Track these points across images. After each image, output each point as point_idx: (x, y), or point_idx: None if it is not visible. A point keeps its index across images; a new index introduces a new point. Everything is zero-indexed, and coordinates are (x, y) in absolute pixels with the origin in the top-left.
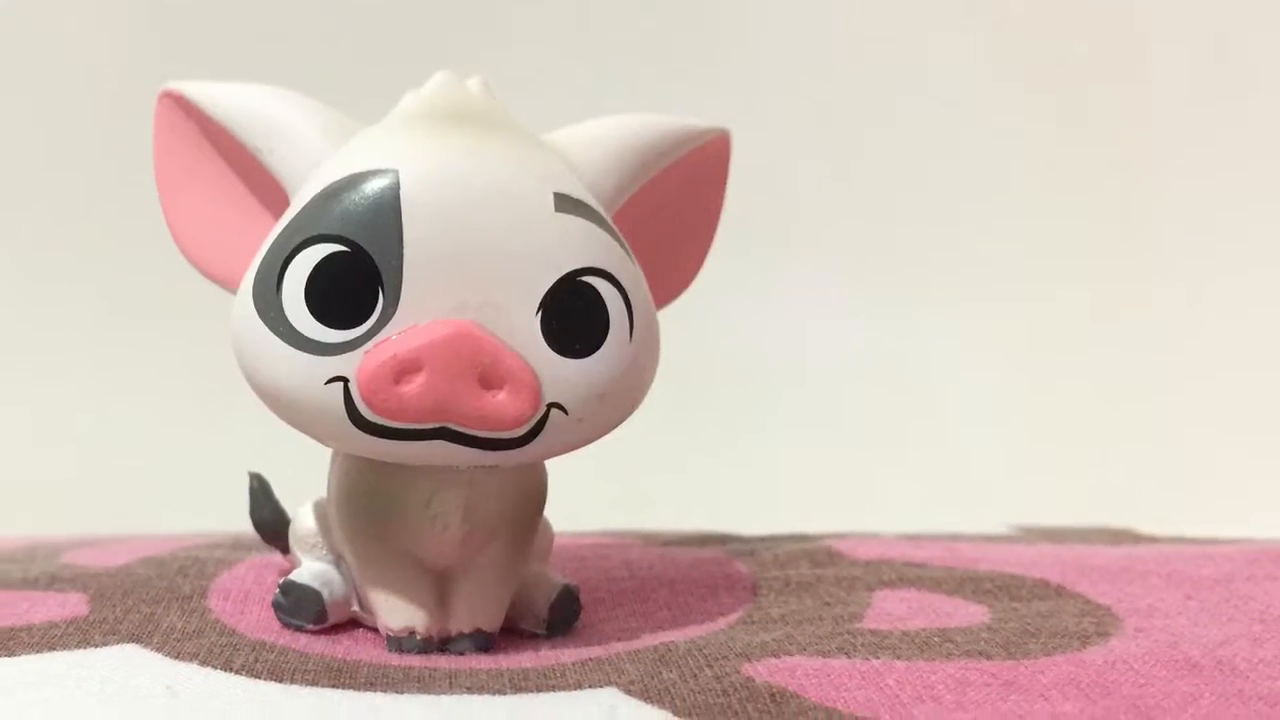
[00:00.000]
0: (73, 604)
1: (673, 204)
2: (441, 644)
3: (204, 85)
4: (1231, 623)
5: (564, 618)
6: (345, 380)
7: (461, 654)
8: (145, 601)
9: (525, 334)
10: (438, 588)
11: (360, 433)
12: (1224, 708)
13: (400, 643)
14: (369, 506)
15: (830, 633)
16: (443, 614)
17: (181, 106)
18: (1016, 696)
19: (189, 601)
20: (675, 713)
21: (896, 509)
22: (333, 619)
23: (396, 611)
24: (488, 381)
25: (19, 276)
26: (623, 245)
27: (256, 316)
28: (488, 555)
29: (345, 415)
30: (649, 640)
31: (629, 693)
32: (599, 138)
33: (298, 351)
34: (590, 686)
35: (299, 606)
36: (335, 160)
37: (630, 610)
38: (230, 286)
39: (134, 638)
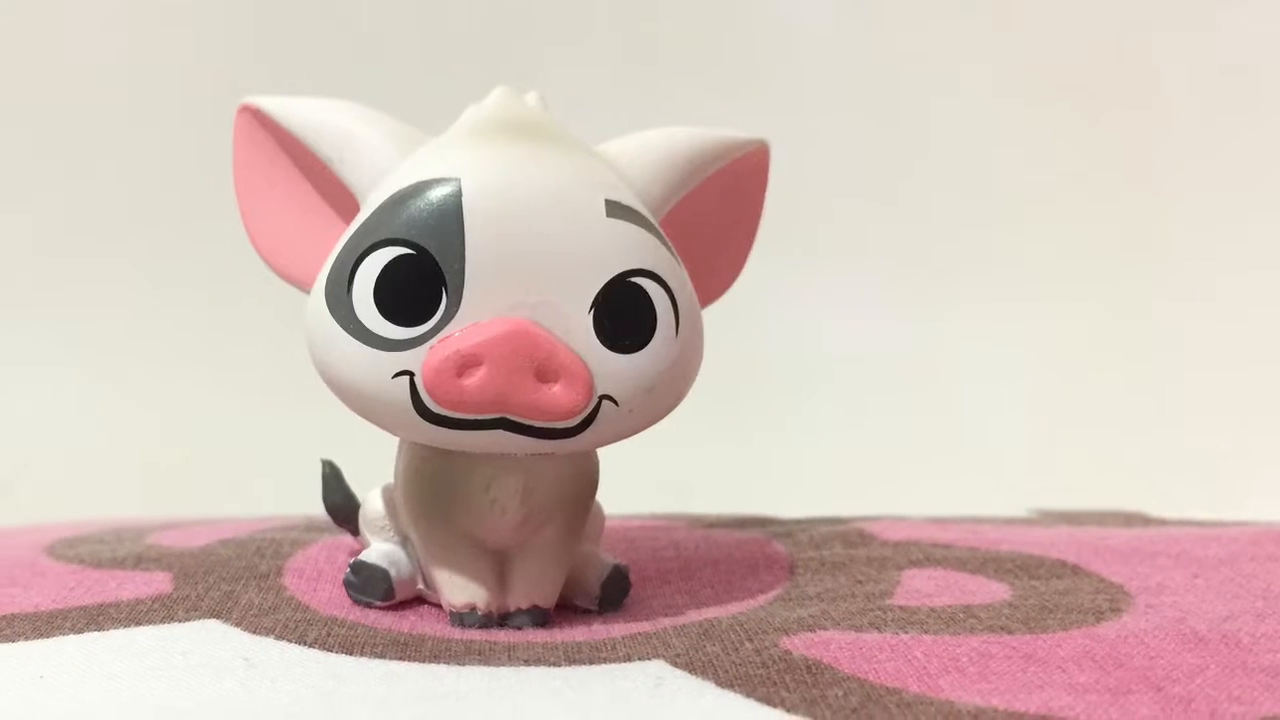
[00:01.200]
0: (158, 582)
1: (716, 210)
2: (501, 619)
3: (279, 100)
4: (1235, 599)
5: (614, 595)
6: (411, 374)
7: (519, 629)
8: (225, 580)
9: (578, 331)
10: (497, 567)
11: (425, 423)
12: (1228, 678)
13: (462, 618)
14: (433, 491)
15: (862, 609)
16: (502, 591)
17: (259, 120)
18: (1035, 668)
19: (266, 580)
20: (718, 683)
21: (924, 494)
22: (399, 596)
23: (459, 589)
24: (544, 375)
25: (111, 283)
26: (669, 248)
27: (329, 315)
28: (543, 537)
29: (411, 407)
30: (694, 616)
31: (675, 665)
32: (647, 148)
33: (367, 348)
34: (639, 659)
35: (368, 584)
36: (402, 169)
37: (676, 588)
38: (304, 287)
39: (215, 613)
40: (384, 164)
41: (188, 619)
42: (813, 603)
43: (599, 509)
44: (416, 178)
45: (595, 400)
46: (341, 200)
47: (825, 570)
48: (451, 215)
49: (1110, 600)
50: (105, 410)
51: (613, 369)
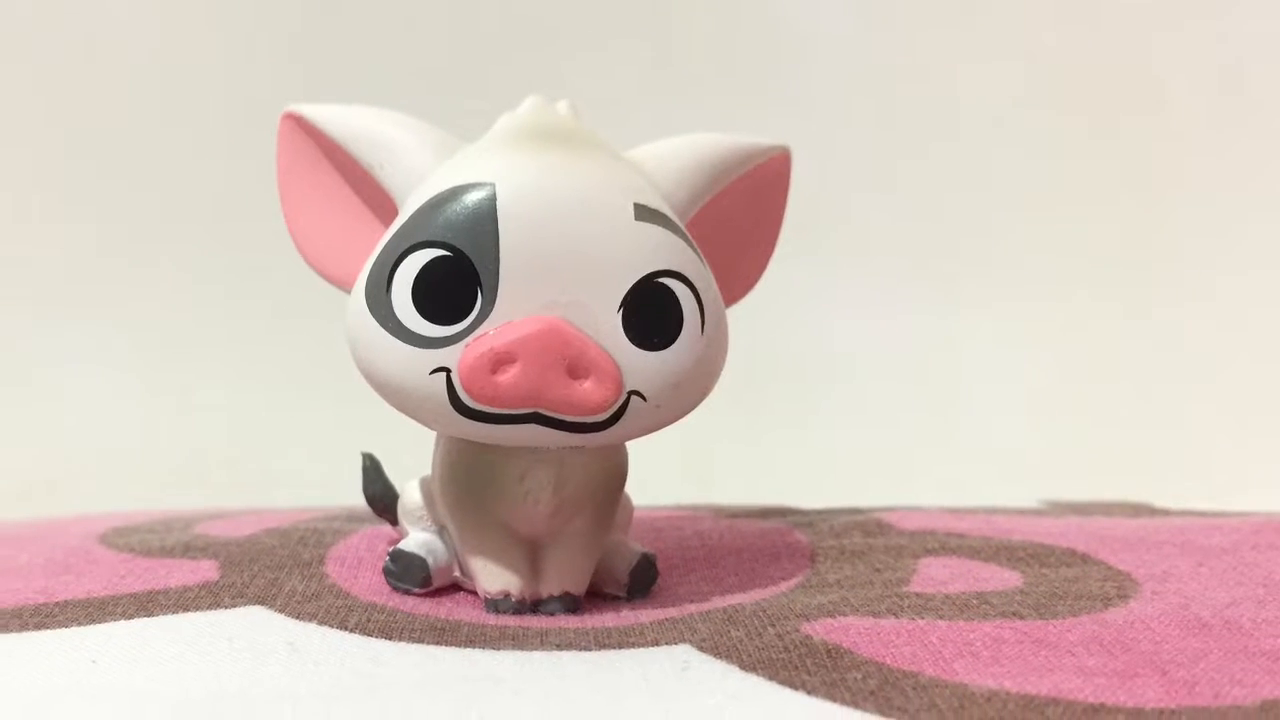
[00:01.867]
0: (205, 570)
1: (740, 213)
2: (533, 605)
3: (321, 108)
4: (1238, 586)
5: (643, 582)
6: (448, 371)
7: (551, 614)
8: (270, 568)
9: (608, 329)
10: (530, 555)
11: (461, 417)
12: (1230, 662)
13: (496, 605)
14: (469, 483)
15: (880, 595)
16: (534, 579)
17: (302, 127)
18: (1046, 652)
19: (308, 568)
20: (741, 667)
21: (939, 485)
22: (436, 583)
23: (493, 577)
24: (575, 372)
25: (156, 283)
26: (695, 250)
27: (369, 314)
28: (575, 526)
29: (448, 402)
30: (718, 602)
31: (701, 649)
32: (674, 155)
33: (405, 345)
34: (666, 643)
35: (406, 572)
36: (439, 175)
37: (701, 575)
38: (345, 287)
39: (259, 600)
40: (422, 169)
41: (234, 605)
42: (833, 590)
43: (628, 500)
44: (453, 183)
45: (624, 396)
46: (381, 204)
47: (845, 558)
48: (486, 218)
49: (1117, 587)
50: (151, 407)
51: (641, 366)
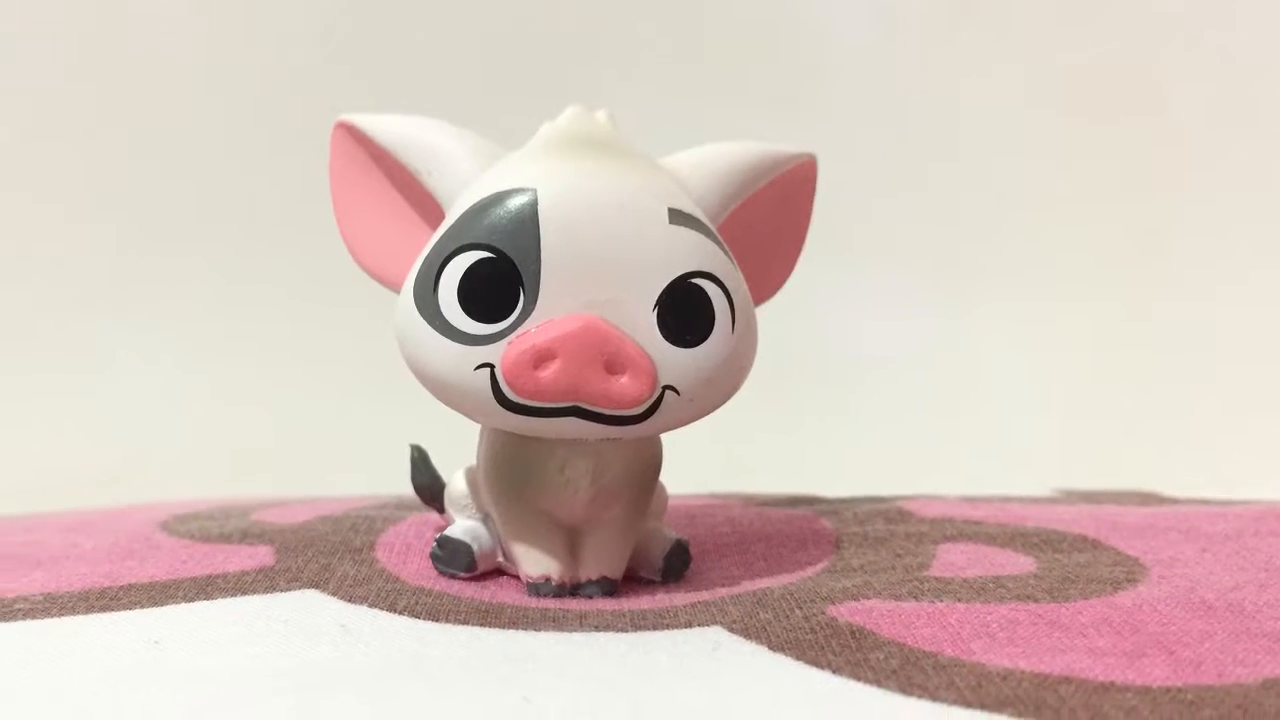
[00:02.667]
0: (261, 555)
1: (768, 217)
2: (573, 589)
3: (372, 117)
4: (1241, 571)
5: (676, 567)
6: (492, 366)
7: (590, 598)
8: (323, 553)
9: (644, 327)
10: (569, 541)
11: (504, 411)
12: (1233, 643)
13: (538, 588)
14: (511, 473)
15: (901, 579)
16: (574, 564)
17: (353, 135)
18: (1059, 633)
19: (360, 553)
20: (770, 647)
21: (957, 475)
22: (481, 568)
23: (535, 562)
24: (612, 367)
25: (225, 282)
26: (726, 252)
27: (417, 313)
28: (612, 514)
29: (492, 396)
30: (748, 586)
31: (731, 630)
32: (706, 162)
33: (451, 342)
34: (698, 625)
35: (453, 557)
36: (483, 180)
37: (732, 560)
38: (393, 286)
39: (313, 584)
40: (467, 175)
41: (288, 589)
42: (856, 574)
43: (662, 488)
44: (496, 188)
45: (659, 390)
46: (428, 207)
47: (868, 544)
48: (528, 222)
49: (1127, 572)
50: (207, 401)
51: (675, 361)
